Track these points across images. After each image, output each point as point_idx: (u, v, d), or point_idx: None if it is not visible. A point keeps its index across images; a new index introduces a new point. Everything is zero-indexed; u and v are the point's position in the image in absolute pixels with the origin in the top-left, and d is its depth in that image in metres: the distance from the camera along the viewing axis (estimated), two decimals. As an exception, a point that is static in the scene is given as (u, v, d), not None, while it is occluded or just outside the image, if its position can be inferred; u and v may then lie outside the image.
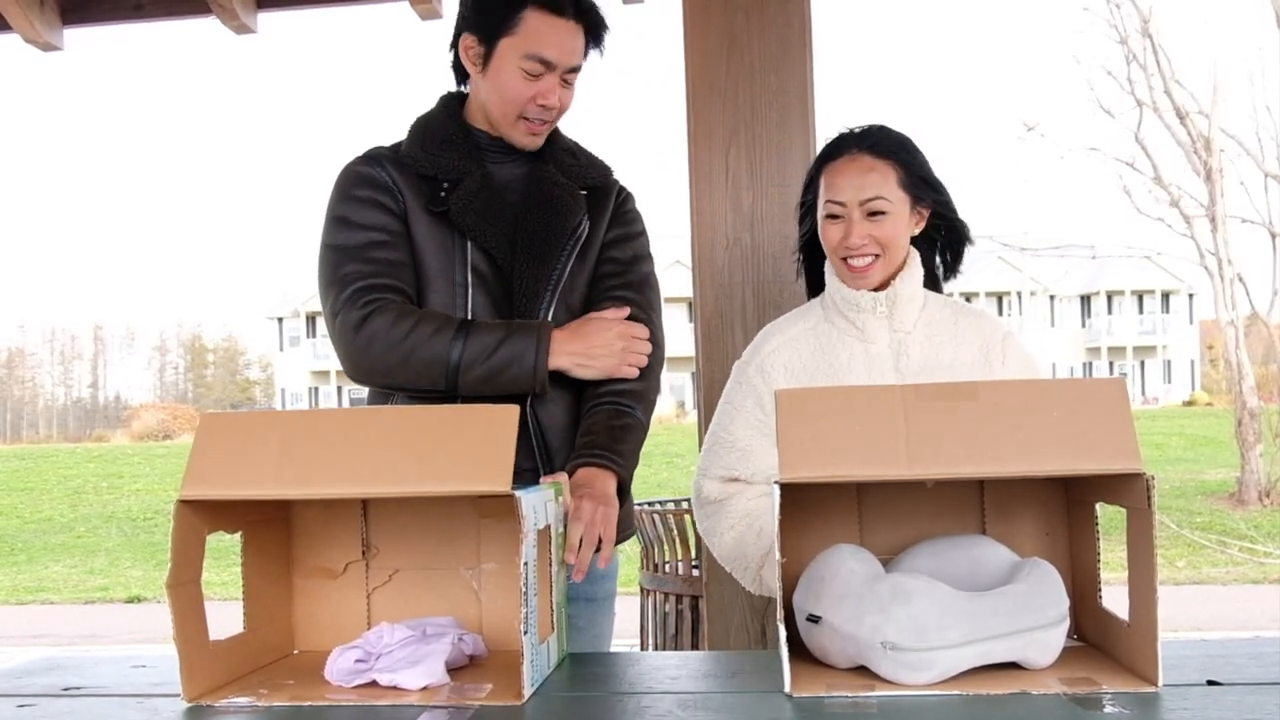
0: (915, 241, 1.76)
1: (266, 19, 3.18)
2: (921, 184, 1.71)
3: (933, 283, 1.82)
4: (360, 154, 1.76)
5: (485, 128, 1.75)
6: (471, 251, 1.68)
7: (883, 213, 1.68)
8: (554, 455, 1.69)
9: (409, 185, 1.70)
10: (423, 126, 1.76)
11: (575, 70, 1.71)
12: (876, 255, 1.69)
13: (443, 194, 1.69)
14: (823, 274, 1.80)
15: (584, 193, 1.76)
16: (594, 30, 1.71)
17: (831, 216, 1.71)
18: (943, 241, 1.82)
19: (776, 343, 1.78)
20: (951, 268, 1.85)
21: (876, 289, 1.72)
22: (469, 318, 1.67)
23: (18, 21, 3.01)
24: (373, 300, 1.62)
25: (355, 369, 1.64)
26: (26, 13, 3.00)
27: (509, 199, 1.72)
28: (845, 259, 1.70)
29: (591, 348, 1.66)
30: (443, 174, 1.70)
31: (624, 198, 1.83)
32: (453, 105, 1.78)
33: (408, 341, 1.59)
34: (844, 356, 1.73)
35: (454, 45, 1.75)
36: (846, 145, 1.71)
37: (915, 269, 1.74)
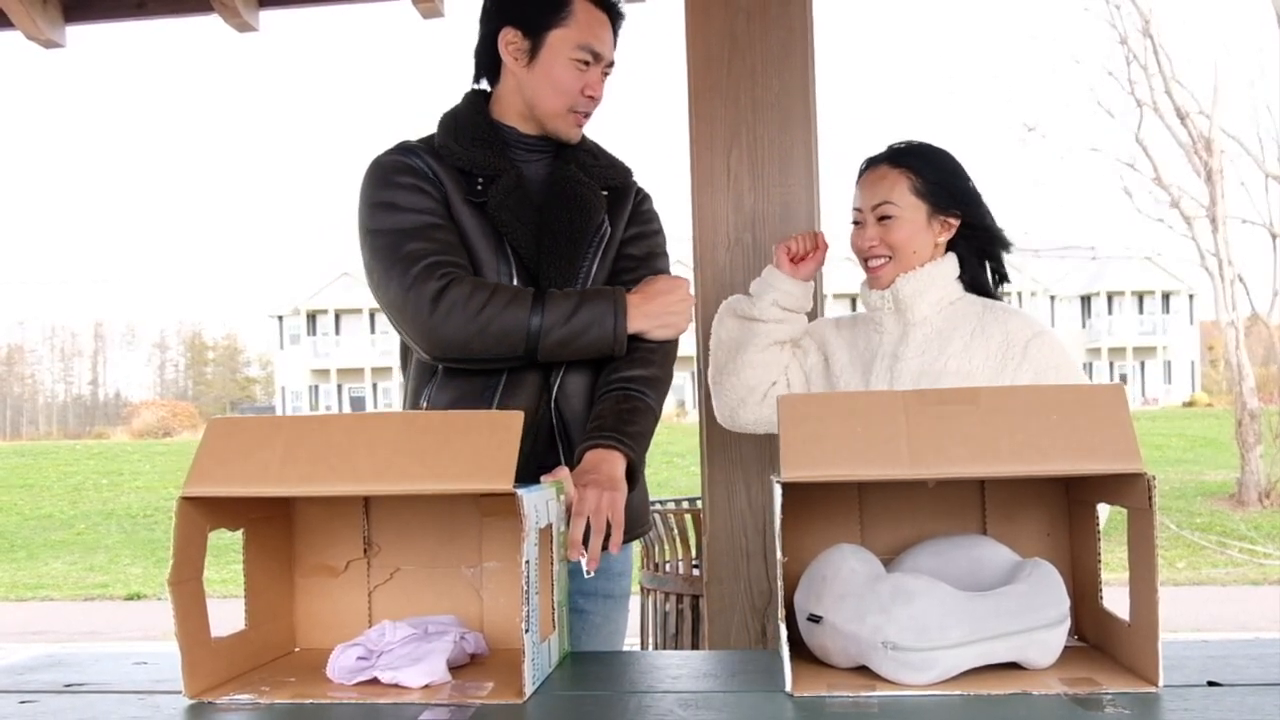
0: (958, 248, 1.86)
1: (268, 17, 3.18)
2: (940, 192, 1.82)
3: (981, 289, 1.89)
4: (390, 147, 1.75)
5: (514, 124, 1.76)
6: (507, 243, 1.70)
7: (890, 217, 1.81)
8: (577, 449, 1.69)
9: (447, 175, 1.70)
10: (452, 122, 1.76)
11: (612, 65, 1.75)
12: (888, 258, 1.83)
13: (479, 187, 1.70)
14: None
15: (605, 193, 1.78)
16: (615, 27, 1.75)
17: (855, 223, 1.87)
18: (981, 249, 1.89)
19: (820, 320, 2.00)
20: (998, 274, 1.92)
21: (889, 287, 1.85)
22: None
23: (20, 19, 3.01)
24: (447, 272, 1.62)
25: (432, 342, 1.63)
26: (29, 10, 3.00)
27: (535, 200, 1.73)
28: (865, 261, 1.86)
29: (666, 308, 1.69)
30: (478, 169, 1.71)
31: (642, 198, 1.85)
32: (479, 102, 1.78)
33: (486, 310, 1.59)
34: (861, 344, 1.89)
35: (486, 40, 1.75)
36: (873, 160, 1.87)
37: (931, 269, 1.83)
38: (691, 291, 1.75)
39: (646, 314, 1.68)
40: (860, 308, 1.95)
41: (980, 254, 1.88)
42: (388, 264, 1.64)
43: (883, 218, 1.81)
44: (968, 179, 1.86)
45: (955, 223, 1.84)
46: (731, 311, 1.95)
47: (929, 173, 1.81)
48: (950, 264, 1.84)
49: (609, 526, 1.50)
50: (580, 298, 1.64)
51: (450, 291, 1.60)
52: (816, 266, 1.90)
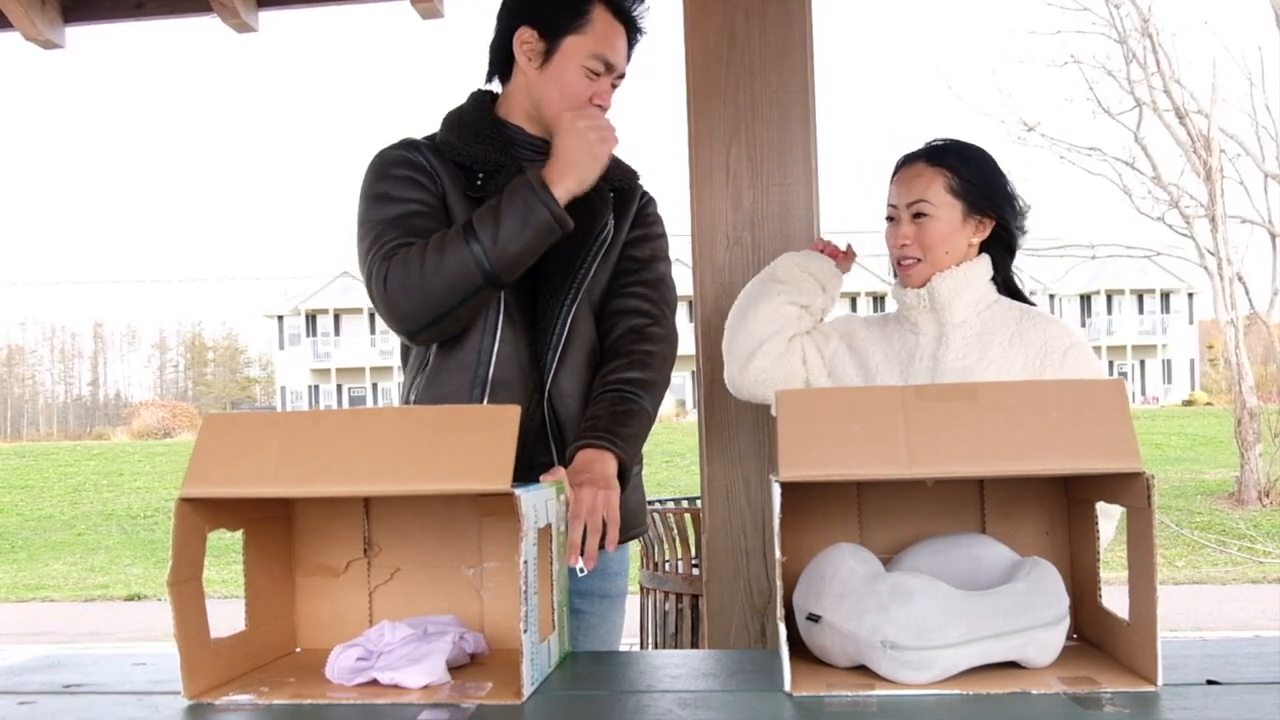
0: (991, 249, 1.85)
1: (267, 17, 3.18)
2: (976, 192, 1.80)
3: (1013, 290, 1.89)
4: (394, 142, 1.76)
5: (521, 124, 1.77)
6: None
7: (924, 215, 1.80)
8: (569, 448, 1.68)
9: (446, 171, 1.71)
10: (456, 120, 1.77)
11: (623, 77, 1.75)
12: (919, 258, 1.82)
13: (479, 182, 1.70)
14: None
15: (611, 194, 1.78)
16: (632, 42, 1.75)
17: (889, 219, 1.86)
18: (1013, 251, 1.88)
19: (847, 315, 1.97)
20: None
21: (921, 286, 1.83)
22: (501, 303, 1.69)
23: (19, 19, 3.01)
24: (390, 255, 1.62)
25: (399, 320, 1.63)
26: (28, 11, 3.00)
27: None
28: (898, 260, 1.85)
29: (575, 154, 1.61)
30: (479, 165, 1.71)
31: (646, 201, 1.86)
32: (485, 101, 1.79)
33: (426, 264, 1.59)
34: (896, 343, 1.87)
35: (501, 37, 1.75)
36: (910, 157, 1.85)
37: (967, 269, 1.82)
38: (593, 115, 1.65)
39: (564, 174, 1.61)
40: (889, 306, 1.95)
41: (1012, 255, 1.87)
42: (364, 255, 1.67)
43: (918, 215, 1.80)
44: (1005, 179, 1.85)
45: (990, 224, 1.82)
46: (755, 278, 1.95)
47: (966, 171, 1.80)
48: (985, 265, 1.83)
49: (605, 526, 1.50)
50: (497, 202, 1.61)
51: (392, 273, 1.61)
52: (847, 264, 1.92)
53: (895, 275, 1.88)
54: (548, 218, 1.60)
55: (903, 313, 1.87)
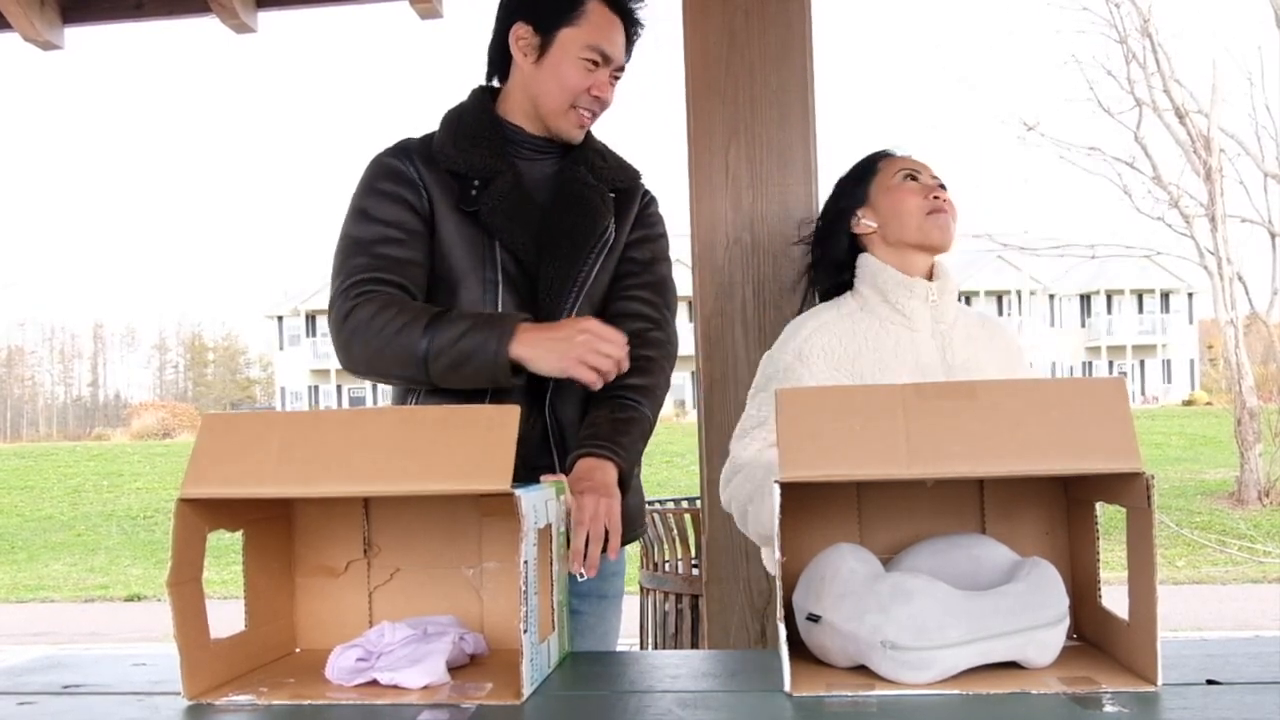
0: None
1: (266, 18, 3.18)
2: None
3: None
4: (390, 145, 1.75)
5: (521, 123, 1.76)
6: (500, 251, 1.69)
7: (947, 192, 1.77)
8: (570, 456, 1.68)
9: (437, 182, 1.70)
10: (455, 120, 1.76)
11: (622, 69, 1.75)
12: (952, 219, 1.75)
13: (473, 193, 1.69)
14: (841, 274, 1.82)
15: (612, 195, 1.77)
16: (631, 36, 1.75)
17: (910, 178, 1.76)
18: None
19: (811, 327, 1.75)
20: None
21: (945, 249, 1.76)
22: (500, 308, 1.68)
23: (18, 20, 3.02)
24: (364, 292, 1.62)
25: (345, 360, 1.67)
26: (27, 11, 3.00)
27: (538, 199, 1.73)
28: (931, 211, 1.72)
29: (553, 340, 1.56)
30: (474, 172, 1.70)
31: (648, 200, 1.85)
32: (485, 99, 1.78)
33: (384, 332, 1.60)
34: (890, 343, 1.73)
35: (499, 35, 1.75)
36: (895, 150, 1.83)
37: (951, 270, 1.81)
38: (606, 336, 1.56)
39: (531, 343, 1.55)
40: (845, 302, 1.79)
41: None
42: (333, 275, 1.69)
43: (943, 186, 1.77)
44: None
45: None
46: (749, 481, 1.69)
47: None
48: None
49: (607, 533, 1.50)
50: (474, 322, 1.58)
51: (357, 313, 1.61)
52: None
53: (924, 227, 1.73)
54: (492, 363, 1.56)
55: (892, 301, 1.73)
